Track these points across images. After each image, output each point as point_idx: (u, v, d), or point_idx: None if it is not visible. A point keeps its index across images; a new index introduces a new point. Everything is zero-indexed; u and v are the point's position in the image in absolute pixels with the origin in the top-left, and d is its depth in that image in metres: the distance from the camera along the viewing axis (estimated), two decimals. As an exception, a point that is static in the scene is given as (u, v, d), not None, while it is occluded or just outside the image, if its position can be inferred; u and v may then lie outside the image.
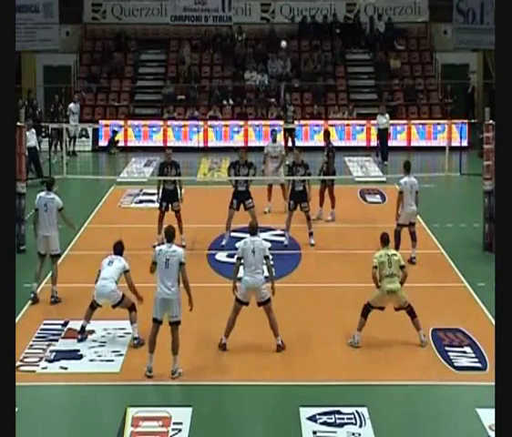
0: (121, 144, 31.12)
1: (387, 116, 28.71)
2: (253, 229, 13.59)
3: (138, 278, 15.88)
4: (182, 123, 31.22)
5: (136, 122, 31.55)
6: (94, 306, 13.71)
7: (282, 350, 13.20)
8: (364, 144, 31.03)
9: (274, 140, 21.63)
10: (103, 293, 13.61)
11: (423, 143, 31.05)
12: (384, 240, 13.62)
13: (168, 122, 30.94)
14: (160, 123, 30.93)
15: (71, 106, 30.87)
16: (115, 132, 30.96)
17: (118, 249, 14.08)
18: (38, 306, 15.07)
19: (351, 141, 31.04)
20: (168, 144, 28.80)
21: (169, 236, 12.67)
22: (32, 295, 15.26)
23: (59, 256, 15.84)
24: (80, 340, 13.56)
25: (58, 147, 28.49)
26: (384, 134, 28.50)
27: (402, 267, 13.39)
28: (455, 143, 25.31)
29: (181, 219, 18.48)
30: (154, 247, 18.02)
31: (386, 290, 13.13)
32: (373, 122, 30.41)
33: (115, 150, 30.79)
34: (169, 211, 18.55)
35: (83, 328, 13.69)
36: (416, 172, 26.28)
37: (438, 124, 31.17)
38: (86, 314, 13.72)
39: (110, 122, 31.79)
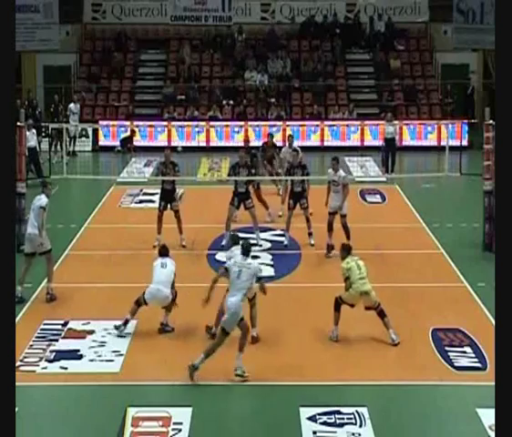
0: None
1: (395, 123, 27.66)
2: (246, 250, 12.74)
3: (137, 278, 15.91)
4: (186, 123, 31.28)
5: (141, 122, 31.50)
6: (140, 303, 13.73)
7: (257, 343, 13.22)
8: (359, 143, 31.08)
9: (290, 145, 21.63)
10: (157, 297, 13.66)
11: (413, 143, 30.99)
12: (346, 249, 13.78)
13: (173, 122, 30.93)
14: (165, 123, 30.94)
15: (71, 106, 30.86)
16: (133, 132, 30.62)
17: (165, 252, 14.12)
18: (38, 306, 15.04)
19: (346, 141, 31.11)
20: (172, 144, 29.00)
21: (246, 250, 12.58)
22: (16, 299, 14.70)
23: (49, 252, 15.38)
24: (118, 328, 13.68)
25: (58, 147, 28.47)
26: (391, 143, 26.72)
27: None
28: (453, 143, 25.20)
29: (181, 219, 18.48)
30: (154, 247, 18.11)
31: (360, 292, 13.31)
32: (367, 122, 30.46)
33: (125, 150, 30.55)
34: (168, 211, 18.52)
35: (126, 321, 13.74)
36: (413, 172, 26.48)
37: (429, 125, 31.29)
38: (131, 310, 13.72)
39: (118, 122, 31.78)
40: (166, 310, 13.82)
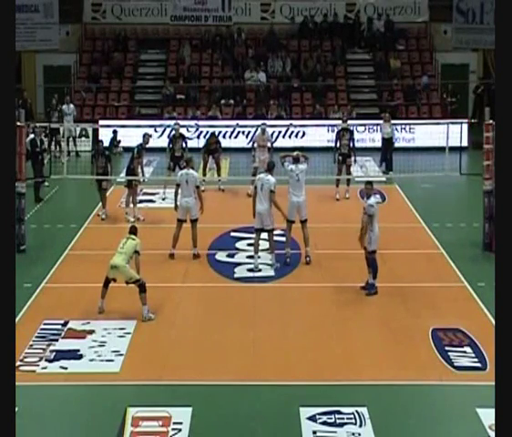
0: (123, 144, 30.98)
1: (392, 123, 27.12)
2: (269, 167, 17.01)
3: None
4: (187, 123, 31.23)
5: (145, 122, 31.43)
6: None
7: (310, 264, 16.71)
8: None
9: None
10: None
11: (410, 143, 30.82)
12: (131, 230, 14.83)
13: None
14: (167, 123, 30.89)
15: (64, 107, 30.61)
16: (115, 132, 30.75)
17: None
18: (38, 306, 15.05)
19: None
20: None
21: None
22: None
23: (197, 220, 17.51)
24: None
25: (52, 147, 28.30)
26: (388, 143, 26.64)
27: (136, 252, 14.32)
28: (452, 143, 25.13)
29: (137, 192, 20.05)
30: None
31: (110, 265, 14.28)
32: (362, 122, 30.43)
33: (116, 150, 30.68)
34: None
35: None
36: (411, 172, 26.47)
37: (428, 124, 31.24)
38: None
39: (127, 122, 31.73)
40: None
